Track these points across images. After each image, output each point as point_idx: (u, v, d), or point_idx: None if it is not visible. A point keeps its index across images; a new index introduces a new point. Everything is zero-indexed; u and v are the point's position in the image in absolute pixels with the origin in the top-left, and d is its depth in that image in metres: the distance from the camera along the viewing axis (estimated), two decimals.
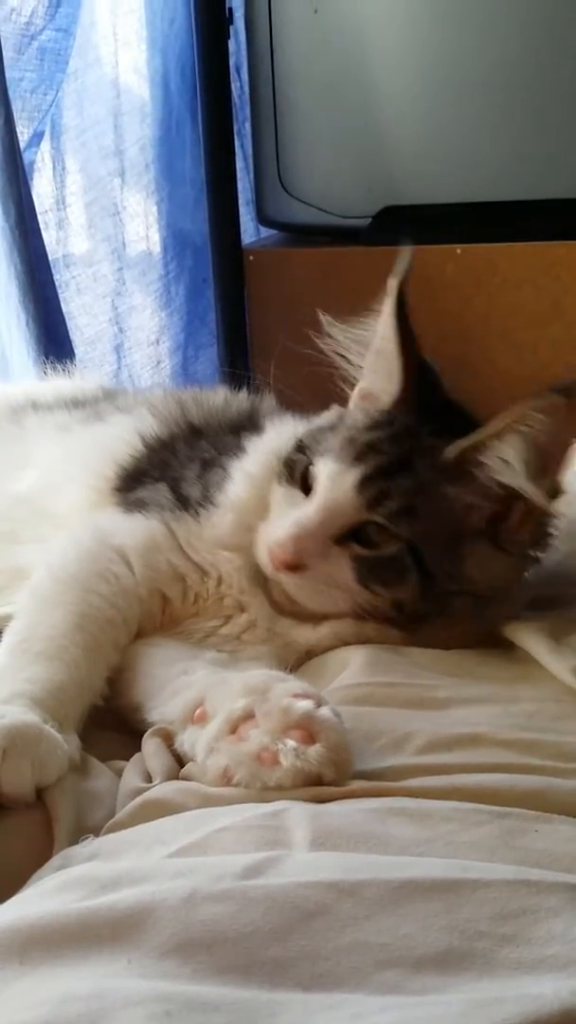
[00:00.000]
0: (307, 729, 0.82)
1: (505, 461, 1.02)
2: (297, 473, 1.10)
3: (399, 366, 1.11)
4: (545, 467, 1.02)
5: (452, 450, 1.05)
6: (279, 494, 1.11)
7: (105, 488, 1.20)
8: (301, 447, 1.12)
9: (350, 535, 1.05)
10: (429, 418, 1.09)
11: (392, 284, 1.10)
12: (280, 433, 1.19)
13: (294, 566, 1.04)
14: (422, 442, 1.07)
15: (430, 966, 0.59)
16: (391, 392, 1.11)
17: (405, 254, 1.11)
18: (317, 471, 1.07)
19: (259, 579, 1.10)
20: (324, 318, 1.15)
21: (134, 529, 1.11)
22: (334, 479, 1.05)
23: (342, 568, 1.05)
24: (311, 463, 1.09)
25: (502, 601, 1.09)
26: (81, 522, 1.15)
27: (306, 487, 1.09)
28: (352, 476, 1.05)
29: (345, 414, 1.16)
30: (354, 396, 1.17)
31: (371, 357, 1.14)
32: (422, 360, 1.13)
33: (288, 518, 1.06)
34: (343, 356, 1.16)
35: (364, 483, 1.04)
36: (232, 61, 2.25)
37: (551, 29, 2.05)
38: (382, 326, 1.11)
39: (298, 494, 1.09)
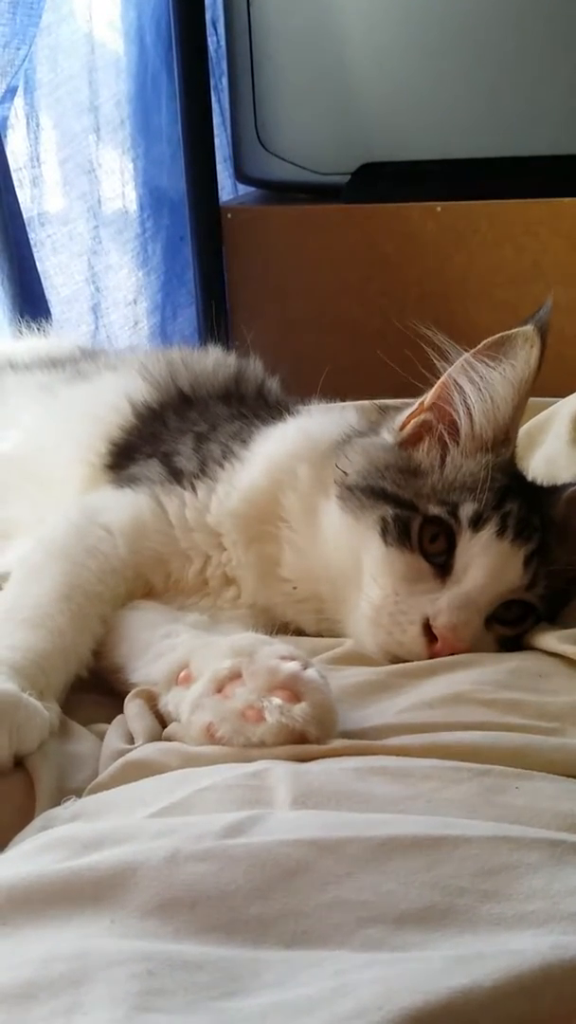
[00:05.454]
0: (293, 689, 0.82)
1: None
2: (414, 536, 1.00)
3: (511, 426, 1.04)
4: None
5: (555, 511, 1.05)
6: (387, 556, 1.00)
7: (98, 464, 1.19)
8: (395, 498, 1.02)
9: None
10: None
11: (532, 332, 1.00)
12: (306, 430, 1.14)
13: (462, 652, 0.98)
14: (543, 510, 1.04)
15: (412, 922, 0.60)
16: (478, 444, 1.04)
17: (546, 306, 1.01)
18: (468, 544, 0.99)
19: (251, 549, 1.08)
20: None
21: (123, 506, 1.10)
22: (504, 558, 0.99)
23: (487, 648, 1.00)
24: (427, 518, 1.00)
25: None
26: (74, 501, 1.14)
27: (423, 550, 1.00)
28: (520, 556, 1.00)
29: (424, 455, 1.06)
30: (410, 425, 1.07)
31: (464, 396, 1.04)
32: None
33: (452, 601, 0.97)
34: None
35: (527, 563, 1.00)
36: (208, 15, 2.21)
37: None
38: (513, 372, 1.02)
39: (422, 564, 1.00)
